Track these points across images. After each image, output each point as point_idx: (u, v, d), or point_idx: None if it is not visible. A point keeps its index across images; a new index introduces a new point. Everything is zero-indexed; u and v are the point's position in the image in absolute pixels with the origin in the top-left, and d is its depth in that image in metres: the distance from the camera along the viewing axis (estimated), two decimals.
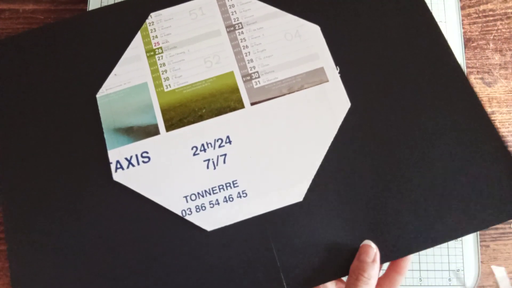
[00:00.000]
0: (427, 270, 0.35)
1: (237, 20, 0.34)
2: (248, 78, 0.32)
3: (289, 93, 0.32)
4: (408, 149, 0.30)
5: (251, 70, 0.32)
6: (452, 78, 0.31)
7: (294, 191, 0.29)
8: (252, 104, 0.31)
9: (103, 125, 0.32)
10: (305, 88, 0.32)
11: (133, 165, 0.30)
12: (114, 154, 0.31)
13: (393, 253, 0.28)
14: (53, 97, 0.33)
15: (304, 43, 0.33)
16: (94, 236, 0.29)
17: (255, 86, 0.32)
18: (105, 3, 0.38)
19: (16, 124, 0.32)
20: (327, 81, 0.32)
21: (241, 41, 0.33)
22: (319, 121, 0.31)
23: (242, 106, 0.31)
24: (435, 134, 0.30)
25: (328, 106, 0.31)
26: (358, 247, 0.27)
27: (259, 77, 0.32)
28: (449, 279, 0.34)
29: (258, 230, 0.29)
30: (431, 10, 0.33)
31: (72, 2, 0.38)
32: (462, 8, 0.37)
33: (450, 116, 0.30)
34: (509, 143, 0.36)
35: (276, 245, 0.28)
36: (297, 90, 0.32)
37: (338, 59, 0.32)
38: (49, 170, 0.31)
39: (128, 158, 0.31)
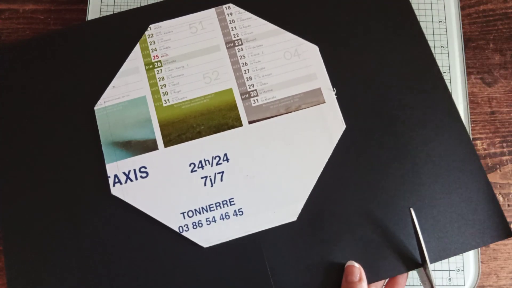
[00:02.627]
0: None
1: (237, 36, 0.34)
2: (247, 96, 0.33)
3: (286, 113, 0.32)
4: (399, 172, 0.31)
5: (249, 88, 0.33)
6: (443, 106, 0.32)
7: (289, 211, 0.30)
8: (250, 122, 0.32)
9: (101, 138, 0.32)
10: (302, 109, 0.32)
11: (131, 180, 0.31)
12: (112, 168, 0.31)
13: (386, 272, 0.29)
14: (51, 107, 0.33)
15: (302, 62, 0.33)
16: (91, 249, 0.30)
17: (253, 105, 0.32)
18: (105, 4, 0.37)
19: (13, 134, 0.32)
20: (324, 102, 0.32)
21: (241, 58, 0.34)
22: (314, 142, 0.31)
23: (240, 124, 0.32)
24: (426, 158, 0.31)
25: (324, 127, 0.32)
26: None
27: (257, 95, 0.33)
28: (449, 279, 0.35)
29: (253, 248, 0.30)
30: (431, 10, 0.34)
31: (72, 2, 0.37)
32: (462, 8, 0.37)
33: (439, 142, 0.32)
34: (509, 143, 0.36)
35: (270, 263, 0.29)
36: (294, 110, 0.32)
37: (334, 80, 0.33)
38: (46, 182, 0.31)
39: (126, 173, 0.31)
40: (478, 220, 0.30)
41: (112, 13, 0.36)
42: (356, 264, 0.28)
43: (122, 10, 0.37)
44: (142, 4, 0.36)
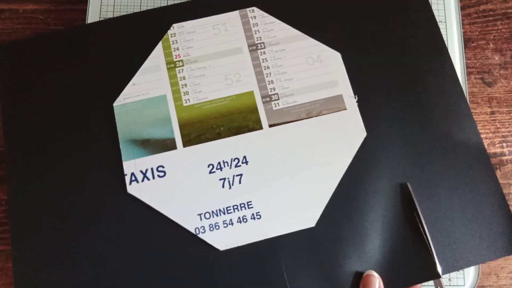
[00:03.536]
0: None
1: (260, 39, 0.34)
2: (268, 99, 0.33)
3: (307, 118, 0.32)
4: (417, 183, 0.31)
5: (271, 91, 0.33)
6: (462, 120, 0.32)
7: (307, 216, 0.30)
8: (270, 126, 0.32)
9: (119, 135, 0.31)
10: (323, 114, 0.32)
11: (148, 179, 0.30)
12: (129, 166, 0.31)
13: (403, 282, 0.29)
14: (70, 103, 0.32)
15: (324, 68, 0.33)
16: (104, 247, 0.29)
17: (274, 108, 0.32)
18: (105, 4, 0.37)
19: (30, 128, 0.32)
20: (345, 109, 0.32)
21: (263, 61, 0.33)
22: (335, 148, 0.31)
23: (260, 127, 0.32)
24: (443, 171, 0.31)
25: (344, 134, 0.32)
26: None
27: (278, 99, 0.33)
28: (449, 279, 0.35)
29: (270, 253, 0.29)
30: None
31: (72, 2, 0.37)
32: (462, 8, 0.37)
33: (457, 154, 0.31)
34: (509, 143, 0.36)
35: (287, 269, 0.29)
36: (315, 116, 0.32)
37: (356, 87, 0.33)
38: (62, 177, 0.31)
39: (143, 171, 0.31)
40: (492, 233, 0.30)
41: (112, 13, 0.36)
42: (375, 274, 0.28)
43: (122, 10, 0.37)
44: (142, 4, 0.36)
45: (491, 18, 0.37)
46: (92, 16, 0.37)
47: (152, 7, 0.35)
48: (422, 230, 0.29)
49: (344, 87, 0.33)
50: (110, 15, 0.36)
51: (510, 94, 0.35)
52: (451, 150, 0.32)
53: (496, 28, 0.37)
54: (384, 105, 0.33)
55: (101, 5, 0.37)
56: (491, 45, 0.36)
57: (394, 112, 0.32)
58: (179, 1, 0.35)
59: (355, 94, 0.33)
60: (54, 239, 0.29)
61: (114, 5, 0.37)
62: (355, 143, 0.31)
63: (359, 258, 0.29)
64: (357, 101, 0.32)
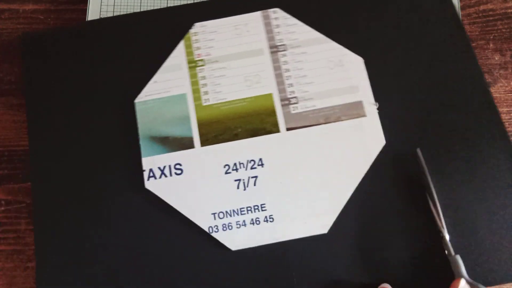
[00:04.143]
0: None
1: (281, 41, 0.34)
2: (287, 102, 0.32)
3: (325, 123, 0.32)
4: (439, 194, 0.30)
5: (290, 94, 0.33)
6: (490, 127, 0.31)
7: (320, 222, 0.30)
8: (288, 129, 0.32)
9: (140, 132, 0.32)
10: (342, 120, 0.32)
11: (165, 176, 0.31)
12: (148, 162, 0.31)
13: None
14: (92, 97, 0.33)
15: (345, 73, 0.33)
16: (119, 240, 0.30)
17: (292, 112, 0.32)
18: (105, 4, 0.37)
19: (51, 121, 0.33)
20: (365, 115, 0.32)
21: (283, 64, 0.33)
22: (352, 155, 0.31)
23: (278, 130, 0.32)
24: (465, 183, 0.30)
25: (363, 141, 0.31)
26: (377, 286, 0.28)
27: (297, 102, 0.32)
28: None
29: (281, 256, 0.29)
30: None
31: (72, 2, 0.37)
32: (462, 8, 0.36)
33: (484, 161, 0.31)
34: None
35: (296, 273, 0.29)
36: (334, 121, 0.32)
37: (377, 95, 0.32)
38: (82, 171, 0.32)
39: (161, 168, 0.31)
40: None
41: (112, 13, 0.36)
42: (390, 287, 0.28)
43: (122, 10, 0.36)
44: (142, 4, 0.36)
45: (491, 18, 0.36)
46: (92, 16, 0.37)
47: (152, 7, 0.36)
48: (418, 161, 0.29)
49: (365, 94, 0.32)
50: (110, 15, 0.36)
51: (510, 94, 0.34)
52: (478, 161, 0.31)
53: (496, 28, 0.36)
54: (406, 114, 0.32)
55: (101, 5, 0.37)
56: (491, 45, 0.35)
57: (416, 121, 0.32)
58: (187, 2, 0.35)
59: (376, 101, 0.32)
60: (73, 231, 0.30)
61: (114, 5, 0.37)
62: (374, 151, 0.31)
63: (371, 268, 0.29)
64: (377, 109, 0.32)
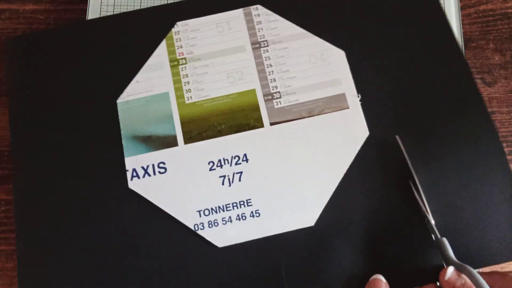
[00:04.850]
0: None
1: (263, 37, 0.34)
2: (270, 97, 0.32)
3: (308, 117, 0.32)
4: (424, 183, 0.30)
5: (273, 89, 0.33)
6: (476, 117, 0.31)
7: (307, 216, 0.30)
8: (272, 124, 0.32)
9: (122, 132, 0.32)
10: (325, 113, 0.32)
11: (149, 175, 0.31)
12: (131, 162, 0.31)
13: (402, 285, 0.28)
14: (74, 99, 0.33)
15: (328, 67, 0.33)
16: (105, 242, 0.30)
17: (275, 106, 0.32)
18: (105, 4, 0.37)
19: (33, 123, 0.32)
20: (348, 108, 0.32)
21: (265, 59, 0.33)
22: (336, 147, 0.31)
23: (262, 125, 0.32)
24: (451, 170, 0.30)
25: (346, 133, 0.31)
26: (367, 277, 0.28)
27: (280, 97, 0.32)
28: None
29: (268, 251, 0.29)
30: None
31: (72, 2, 0.37)
32: (462, 8, 0.37)
33: (469, 152, 0.31)
34: (509, 143, 0.35)
35: (284, 267, 0.29)
36: (317, 114, 0.32)
37: (360, 87, 0.32)
38: (64, 172, 0.31)
39: (145, 167, 0.31)
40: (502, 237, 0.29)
41: (112, 13, 0.36)
42: (383, 279, 0.27)
43: (122, 10, 0.37)
44: (142, 4, 0.36)
45: (491, 18, 0.36)
46: (92, 16, 0.37)
47: (152, 6, 0.36)
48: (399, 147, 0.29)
49: (347, 86, 0.32)
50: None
51: (510, 94, 0.34)
52: (463, 148, 0.31)
53: (496, 28, 0.36)
54: (388, 104, 0.32)
55: (101, 5, 0.37)
56: (491, 45, 0.36)
57: (399, 111, 0.32)
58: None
59: (358, 93, 0.32)
60: (56, 233, 0.30)
61: (114, 5, 0.37)
62: (357, 142, 0.31)
63: (357, 260, 0.29)
64: (360, 100, 0.32)
